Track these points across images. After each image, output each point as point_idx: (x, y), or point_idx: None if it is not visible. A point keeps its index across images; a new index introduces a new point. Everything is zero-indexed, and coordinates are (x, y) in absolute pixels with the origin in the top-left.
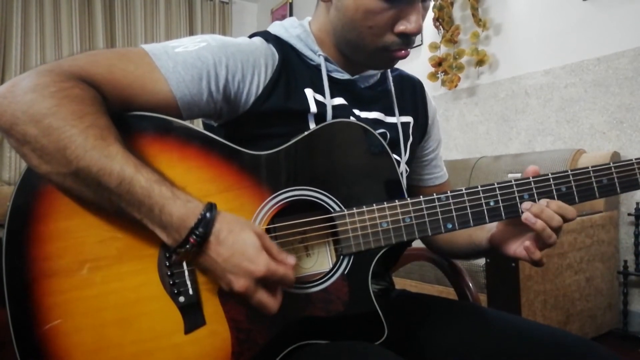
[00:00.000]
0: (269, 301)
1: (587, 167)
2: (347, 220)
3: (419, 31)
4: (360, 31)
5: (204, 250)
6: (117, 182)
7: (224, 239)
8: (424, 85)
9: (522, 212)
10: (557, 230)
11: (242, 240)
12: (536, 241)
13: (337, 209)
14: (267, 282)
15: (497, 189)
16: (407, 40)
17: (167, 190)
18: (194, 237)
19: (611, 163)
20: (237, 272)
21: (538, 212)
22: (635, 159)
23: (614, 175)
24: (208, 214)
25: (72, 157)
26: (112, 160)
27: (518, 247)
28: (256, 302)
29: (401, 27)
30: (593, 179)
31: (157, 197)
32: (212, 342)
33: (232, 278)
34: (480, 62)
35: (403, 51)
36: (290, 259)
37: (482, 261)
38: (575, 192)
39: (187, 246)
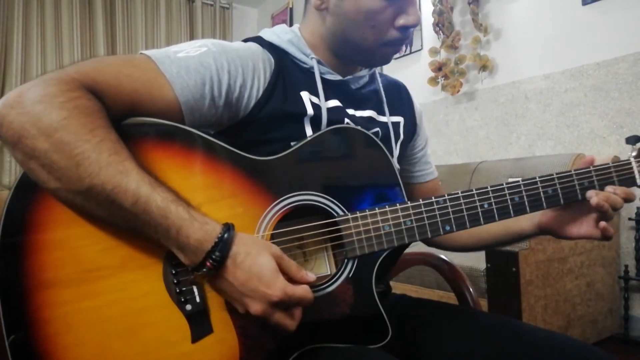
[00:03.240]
0: (287, 322)
1: (589, 167)
2: (351, 224)
3: (418, 22)
4: (364, 31)
5: (221, 273)
6: (132, 200)
7: (241, 262)
8: (415, 89)
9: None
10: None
11: (259, 264)
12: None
13: (341, 213)
14: (284, 305)
15: (490, 192)
16: (407, 33)
17: (184, 211)
18: (211, 261)
19: (610, 163)
20: (253, 296)
21: (604, 198)
22: (634, 157)
23: (614, 175)
24: (226, 235)
25: (86, 174)
26: (127, 177)
27: (582, 228)
28: (274, 324)
29: (401, 20)
30: (595, 178)
31: (174, 219)
32: (220, 350)
33: (248, 302)
34: (483, 67)
35: (402, 46)
36: (310, 277)
37: (482, 266)
38: (568, 193)
39: (204, 269)
